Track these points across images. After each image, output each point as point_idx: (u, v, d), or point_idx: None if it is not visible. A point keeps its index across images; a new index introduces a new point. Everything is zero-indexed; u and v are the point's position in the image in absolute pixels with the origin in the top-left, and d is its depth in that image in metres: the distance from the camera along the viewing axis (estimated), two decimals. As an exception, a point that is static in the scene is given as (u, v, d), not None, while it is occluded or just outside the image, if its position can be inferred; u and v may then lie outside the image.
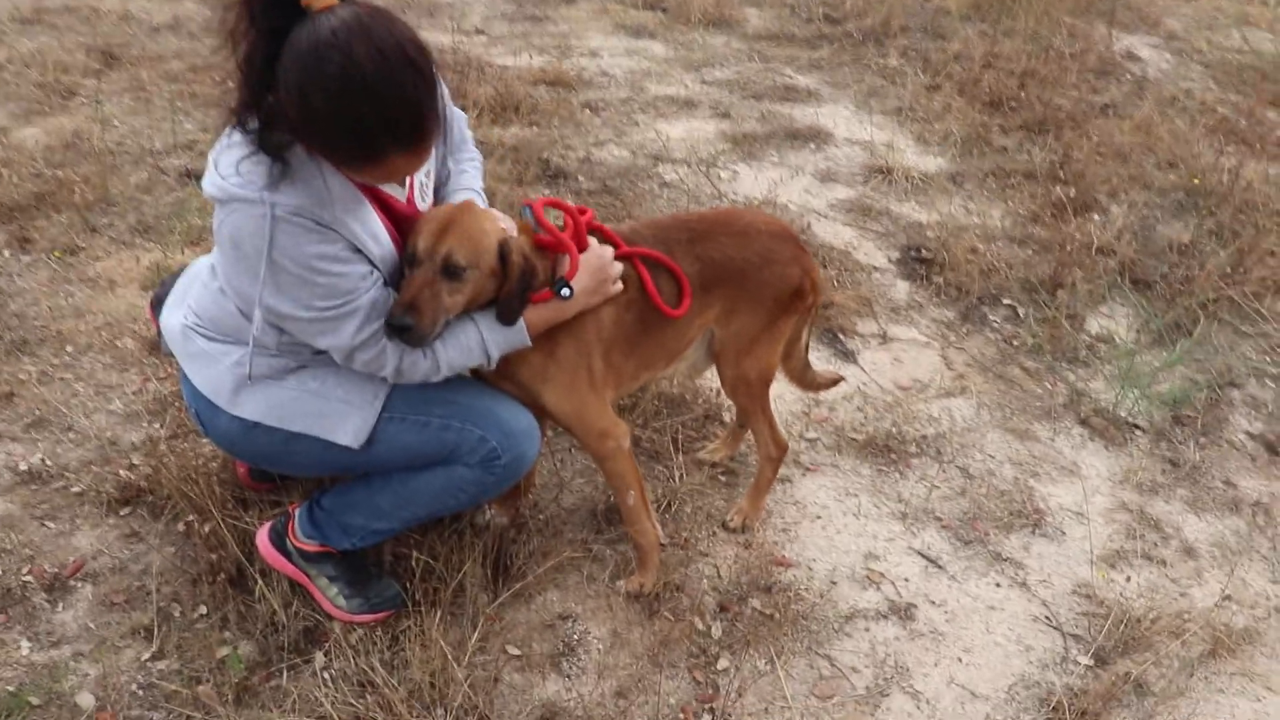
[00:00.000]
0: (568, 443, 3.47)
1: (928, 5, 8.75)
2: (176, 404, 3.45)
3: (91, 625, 2.73)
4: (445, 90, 2.31)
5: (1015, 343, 4.50)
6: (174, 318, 2.63)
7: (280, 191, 2.19)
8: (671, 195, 5.31)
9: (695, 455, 3.54)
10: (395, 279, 2.43)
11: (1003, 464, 3.76)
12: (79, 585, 2.84)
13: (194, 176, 4.85)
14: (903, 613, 3.08)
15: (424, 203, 2.58)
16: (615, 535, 3.14)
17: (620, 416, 2.84)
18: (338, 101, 2.04)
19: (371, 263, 2.35)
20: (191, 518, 2.96)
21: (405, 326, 2.31)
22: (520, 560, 2.99)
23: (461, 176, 2.82)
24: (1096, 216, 5.56)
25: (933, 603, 3.13)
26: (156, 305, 2.84)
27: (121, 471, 3.16)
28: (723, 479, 3.49)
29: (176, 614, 2.77)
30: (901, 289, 4.79)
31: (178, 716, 2.51)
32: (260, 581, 2.76)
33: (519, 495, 3.14)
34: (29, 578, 2.83)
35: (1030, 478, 3.71)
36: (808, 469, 3.59)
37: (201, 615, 2.77)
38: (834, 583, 3.14)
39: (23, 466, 3.18)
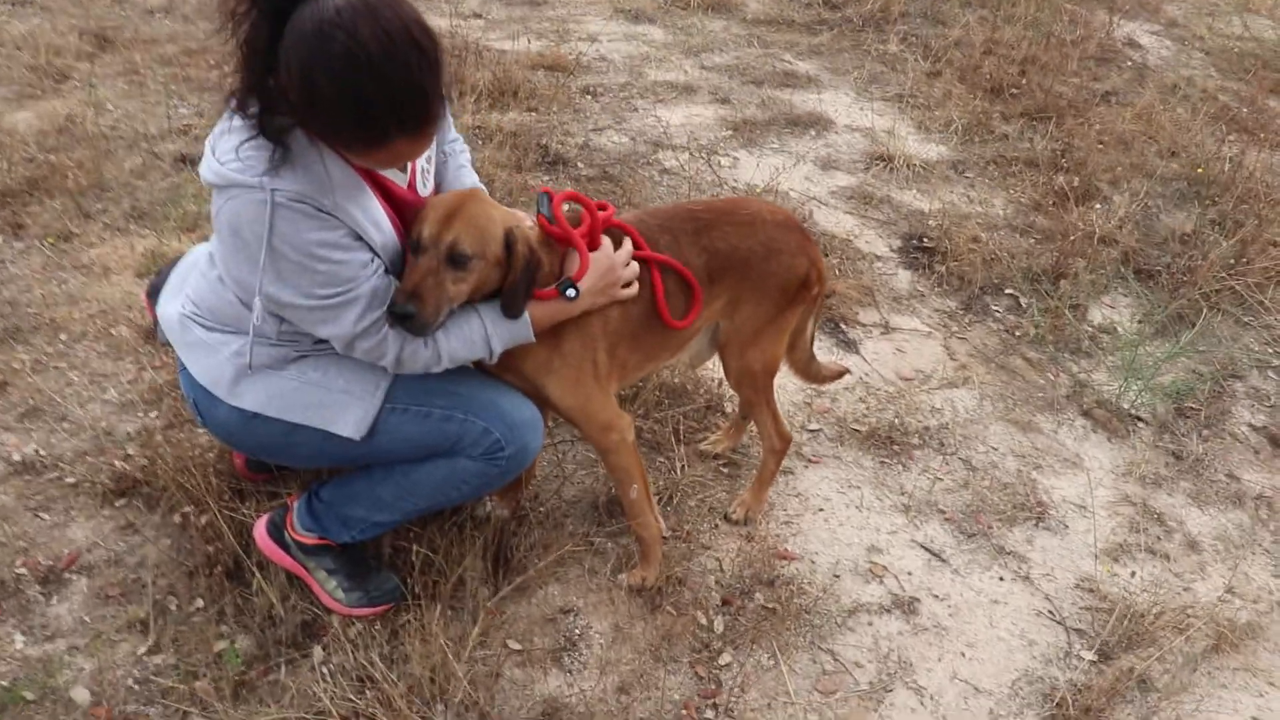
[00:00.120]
0: (569, 434, 3.44)
1: (928, -10, 8.70)
2: (172, 393, 3.41)
3: (86, 619, 2.70)
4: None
5: (1018, 333, 4.47)
6: (171, 307, 2.59)
7: (280, 177, 2.15)
8: (671, 182, 5.27)
9: (697, 447, 3.51)
10: (396, 267, 2.39)
11: (1005, 456, 3.74)
12: (74, 578, 2.81)
13: (189, 162, 4.79)
14: (906, 607, 3.05)
15: (425, 189, 2.54)
16: (617, 528, 3.11)
17: (621, 407, 2.81)
18: (342, 83, 2.00)
19: (373, 250, 2.31)
20: (188, 509, 2.93)
21: (408, 315, 2.27)
22: (521, 553, 2.96)
23: (460, 171, 2.78)
24: (1098, 205, 5.53)
25: (936, 596, 3.11)
26: (153, 294, 2.80)
27: (117, 462, 3.12)
28: (725, 471, 3.46)
29: (173, 607, 2.74)
30: (903, 278, 4.76)
31: (174, 712, 2.48)
32: (258, 574, 2.73)
33: (520, 487, 3.11)
34: (23, 570, 2.79)
35: (1033, 470, 3.69)
36: (810, 461, 3.56)
37: (198, 608, 2.74)
38: (837, 576, 3.12)
39: (16, 457, 3.14)
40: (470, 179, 2.77)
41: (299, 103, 2.05)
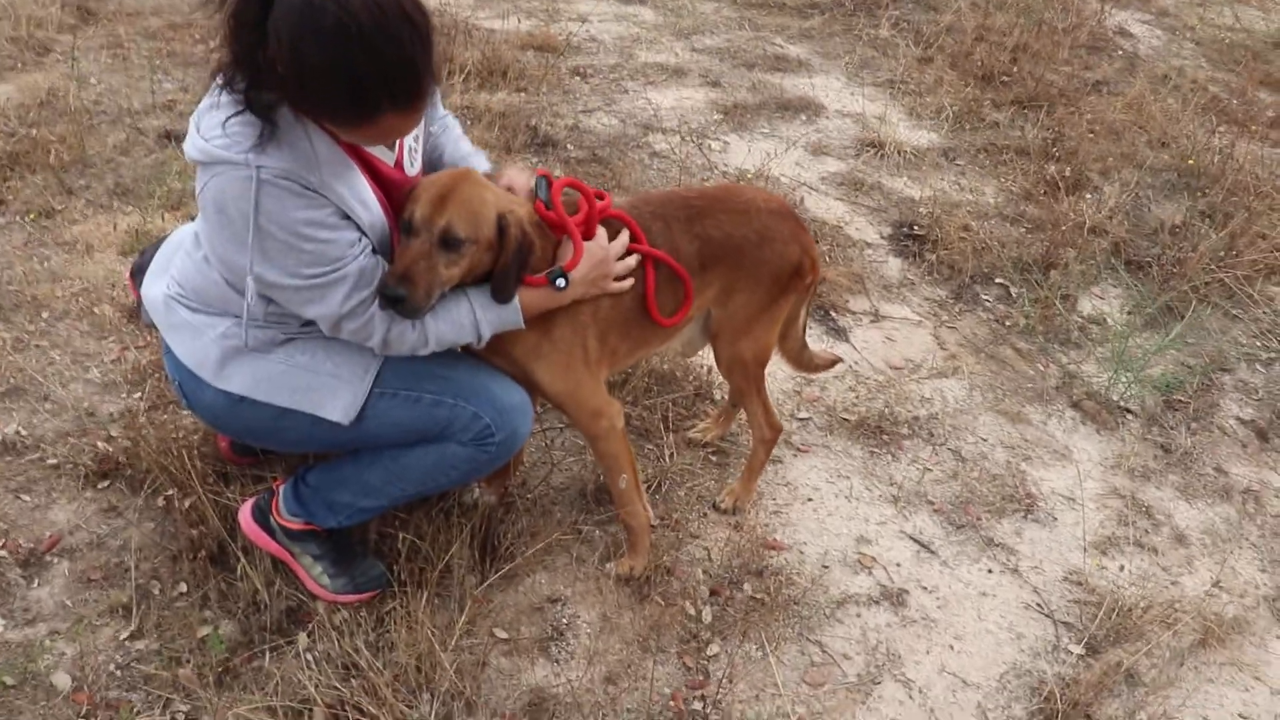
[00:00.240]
0: (558, 420, 3.41)
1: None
2: (156, 374, 3.37)
3: (68, 602, 2.66)
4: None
5: (1007, 323, 4.46)
6: (156, 288, 2.55)
7: (266, 154, 2.11)
8: (661, 166, 5.23)
9: (686, 434, 3.49)
10: (383, 246, 2.36)
11: (995, 447, 3.73)
12: (55, 561, 2.77)
13: (174, 138, 4.73)
14: (894, 598, 3.05)
15: (413, 169, 2.50)
16: (605, 516, 3.08)
17: (610, 394, 2.78)
18: (332, 56, 1.96)
19: (360, 229, 2.28)
20: (171, 492, 2.90)
21: (399, 298, 2.24)
22: (508, 541, 2.93)
23: (459, 141, 2.73)
24: (1089, 195, 5.51)
25: (924, 588, 3.10)
26: (137, 274, 2.75)
27: (99, 443, 3.07)
28: (713, 459, 3.44)
29: (156, 592, 2.71)
30: (894, 266, 4.74)
31: (157, 699, 2.44)
32: (242, 559, 2.69)
33: (508, 474, 3.08)
34: (3, 552, 2.75)
35: (1022, 461, 3.68)
36: (799, 450, 3.55)
37: (181, 593, 2.71)
38: (825, 567, 3.11)
39: (-3, 437, 3.10)
40: (468, 148, 2.72)
41: (288, 76, 2.01)
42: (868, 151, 5.72)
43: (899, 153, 5.71)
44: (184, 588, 2.71)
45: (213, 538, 2.78)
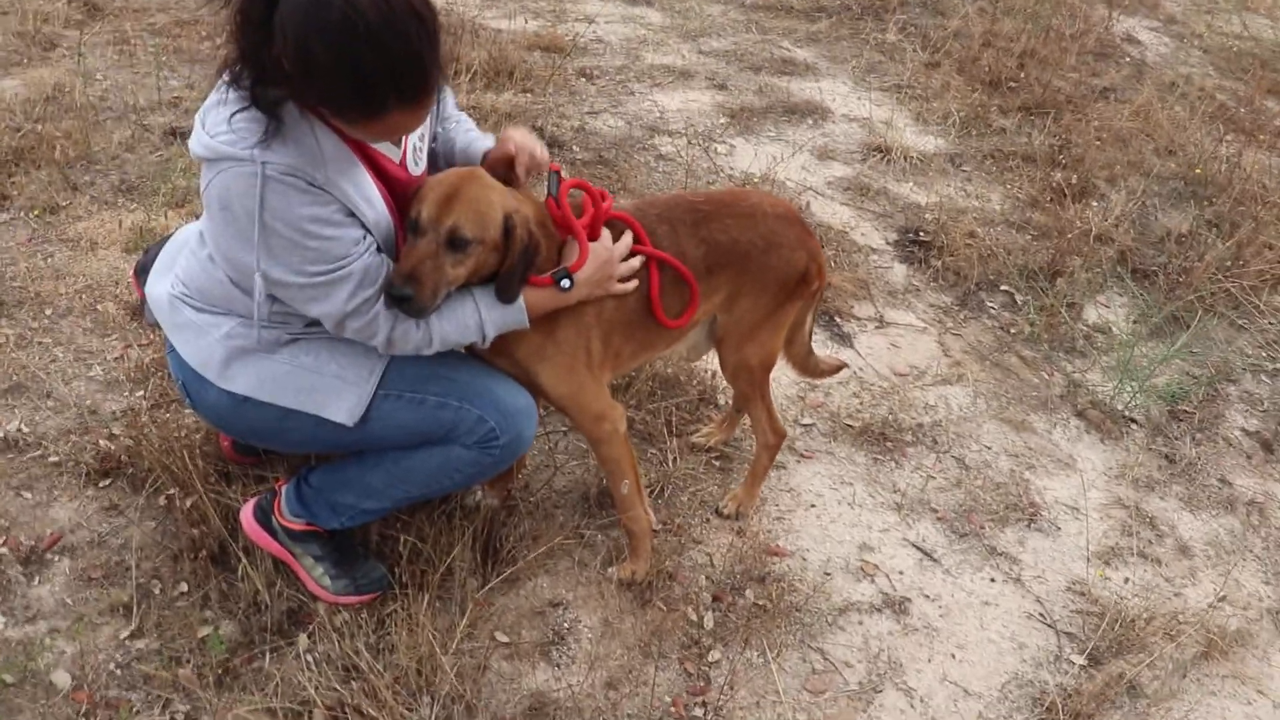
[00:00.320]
0: (561, 424, 3.40)
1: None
2: (158, 372, 3.36)
3: (69, 601, 2.66)
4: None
5: (1013, 331, 4.45)
6: (160, 287, 2.54)
7: (271, 150, 2.11)
8: (667, 168, 5.22)
9: (689, 439, 3.48)
10: (388, 245, 2.35)
11: (999, 455, 3.72)
12: (56, 559, 2.76)
13: (179, 135, 4.72)
14: (897, 606, 3.04)
15: (417, 168, 2.49)
16: (608, 520, 3.08)
17: (614, 398, 2.77)
18: (340, 50, 1.96)
19: (364, 227, 2.27)
20: (173, 491, 2.89)
21: (405, 297, 2.23)
22: (510, 544, 2.93)
23: (470, 135, 2.71)
24: (1095, 203, 5.50)
25: (927, 597, 3.09)
26: (141, 273, 2.75)
27: (101, 441, 3.07)
28: (716, 464, 3.43)
29: (156, 591, 2.70)
30: (899, 272, 4.73)
31: (156, 699, 2.44)
32: (243, 559, 2.68)
33: (510, 476, 3.07)
34: (4, 550, 2.74)
35: (1026, 470, 3.67)
36: (803, 456, 3.54)
37: (182, 593, 2.70)
38: (828, 574, 3.10)
39: (-1, 433, 3.09)
40: (483, 144, 2.69)
41: (295, 72, 2.01)
42: (874, 156, 5.71)
43: (905, 158, 5.70)
44: (185, 587, 2.71)
45: (214, 537, 2.77)
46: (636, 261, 2.61)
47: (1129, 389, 4.12)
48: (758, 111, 6.03)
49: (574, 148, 5.26)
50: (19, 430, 3.10)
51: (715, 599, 2.92)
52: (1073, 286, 4.71)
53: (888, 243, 4.93)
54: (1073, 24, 7.99)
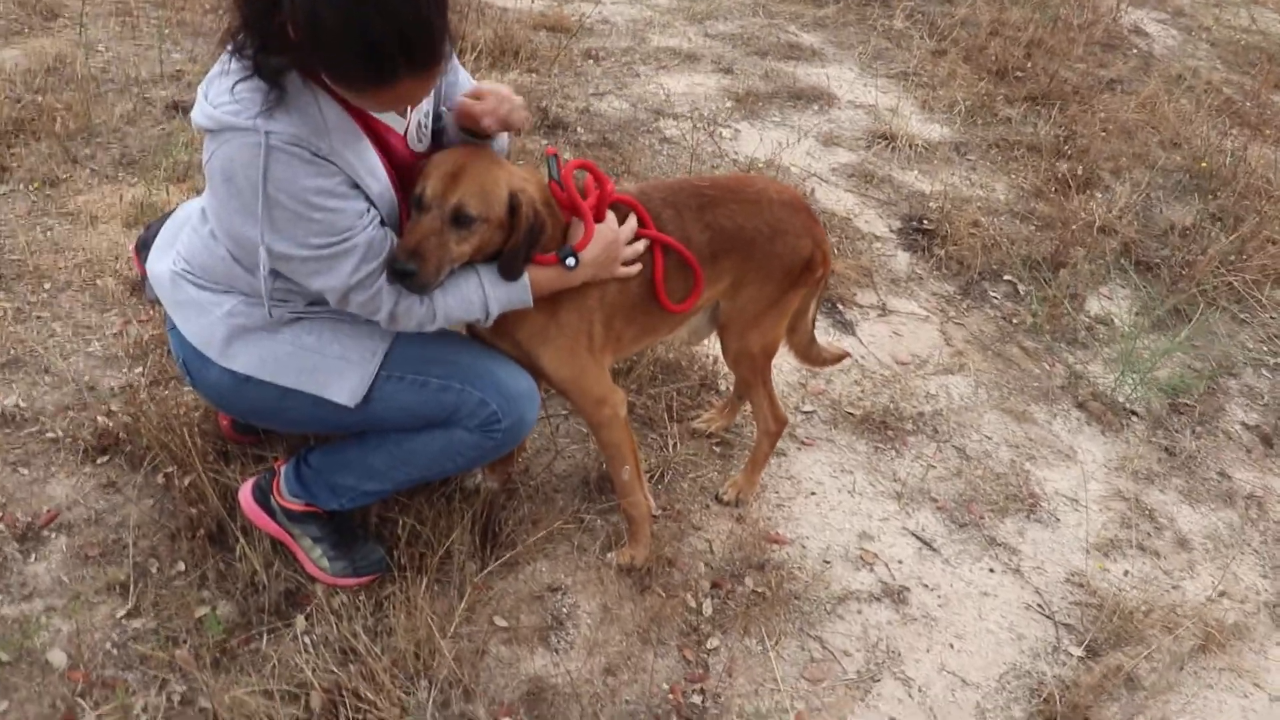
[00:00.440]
0: (562, 407, 3.39)
1: (935, -33, 8.58)
2: (158, 348, 3.34)
3: (65, 579, 2.64)
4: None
5: (1015, 321, 4.43)
6: (162, 264, 2.52)
7: (275, 119, 2.08)
8: (672, 152, 5.19)
9: (690, 425, 3.47)
10: (391, 219, 2.33)
11: (999, 445, 3.71)
12: (52, 536, 2.75)
13: (181, 109, 4.68)
14: (896, 596, 3.03)
15: (421, 144, 2.46)
16: (608, 505, 3.07)
17: (615, 382, 2.76)
18: (348, 19, 1.92)
19: (368, 200, 2.25)
20: (171, 469, 2.88)
21: (408, 273, 2.22)
22: (510, 528, 2.92)
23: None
24: (1099, 194, 5.48)
25: (926, 586, 3.08)
26: (142, 249, 2.72)
27: (99, 418, 3.05)
28: (717, 450, 3.42)
29: (154, 570, 2.69)
30: (902, 260, 4.71)
31: (153, 679, 2.43)
32: (241, 539, 2.67)
33: (511, 460, 3.06)
34: (1, 526, 2.73)
35: (1026, 461, 3.66)
36: (803, 443, 3.53)
37: (179, 572, 2.69)
38: (827, 562, 3.09)
39: (-4, 408, 3.07)
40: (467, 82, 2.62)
41: (303, 40, 1.97)
42: (879, 144, 5.68)
43: (910, 146, 5.68)
44: (182, 567, 2.69)
45: (212, 517, 2.76)
46: (641, 245, 2.59)
47: (1130, 381, 4.11)
48: (763, 96, 5.99)
49: (578, 129, 5.23)
50: (16, 405, 3.08)
51: (714, 586, 2.92)
52: (1075, 278, 4.70)
53: (891, 230, 4.91)
54: (1081, 14, 7.94)
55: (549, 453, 3.24)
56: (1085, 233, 5.00)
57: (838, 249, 4.64)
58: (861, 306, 4.33)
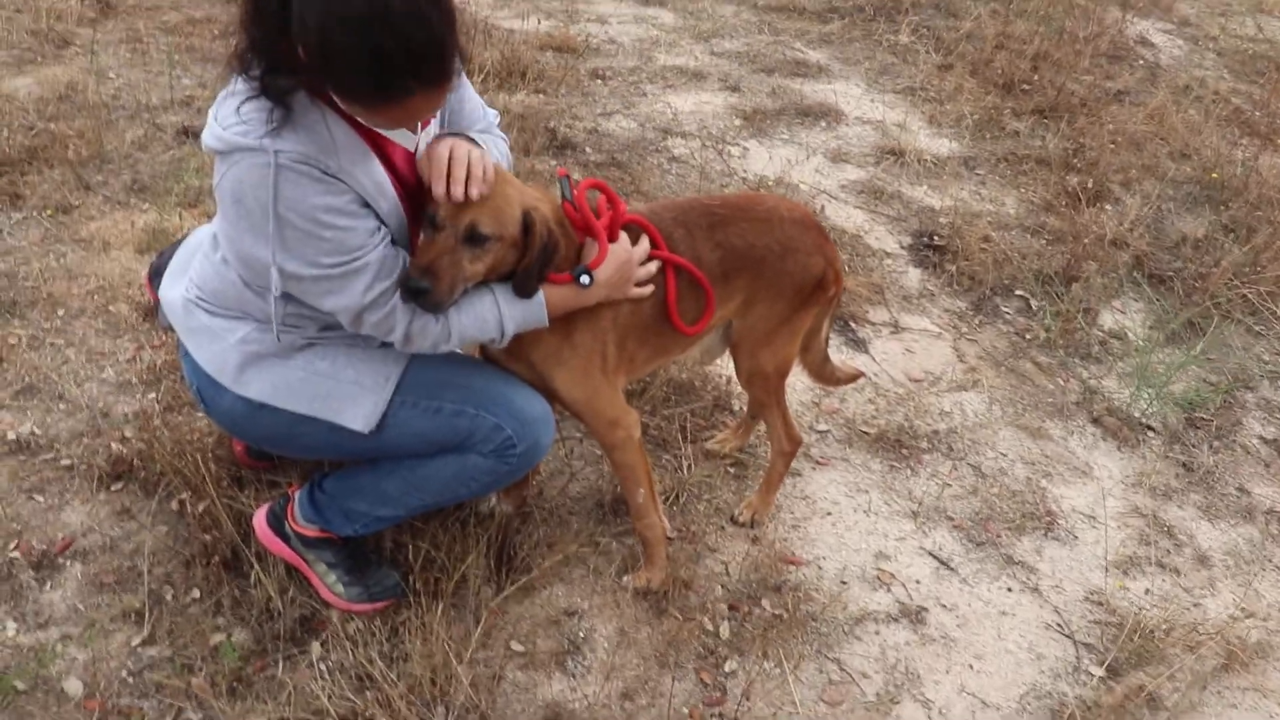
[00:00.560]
0: (576, 430, 3.38)
1: (940, -19, 8.60)
2: (171, 374, 3.34)
3: (80, 606, 2.64)
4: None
5: (1028, 336, 4.41)
6: (174, 291, 2.52)
7: (283, 138, 2.08)
8: (680, 171, 5.20)
9: (704, 445, 3.45)
10: (401, 238, 2.33)
11: (1015, 463, 3.69)
12: (68, 564, 2.74)
13: (192, 135, 4.71)
14: (914, 616, 3.01)
15: None
16: (623, 527, 3.05)
17: (628, 403, 2.75)
18: (360, 37, 1.92)
19: (378, 218, 2.25)
20: (185, 496, 2.87)
21: (422, 290, 2.21)
22: (525, 551, 2.90)
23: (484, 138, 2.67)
24: (1110, 207, 5.47)
25: (944, 606, 3.06)
26: (155, 276, 2.73)
27: (113, 444, 3.05)
28: (732, 471, 3.40)
29: (169, 597, 2.68)
30: (913, 276, 4.70)
31: (168, 707, 2.42)
32: (256, 565, 2.67)
33: (526, 483, 3.04)
34: (16, 554, 2.73)
35: (1042, 478, 3.64)
36: (818, 463, 3.51)
37: (194, 599, 2.68)
38: (844, 583, 3.07)
39: (11, 436, 3.07)
40: (497, 150, 2.61)
41: (313, 60, 1.97)
42: (888, 159, 5.68)
43: (919, 161, 5.68)
44: (197, 593, 2.69)
45: (226, 543, 2.75)
46: (654, 265, 2.59)
47: (1146, 396, 4.08)
48: (771, 113, 6.00)
49: (587, 149, 5.24)
50: (31, 432, 3.09)
51: (731, 608, 2.90)
52: (1088, 291, 4.68)
53: (902, 247, 4.90)
54: (1086, 26, 7.95)
55: (563, 475, 3.23)
56: (1097, 246, 4.99)
57: (849, 266, 4.63)
58: (874, 324, 4.32)
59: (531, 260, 2.34)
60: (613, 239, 2.50)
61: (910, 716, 2.72)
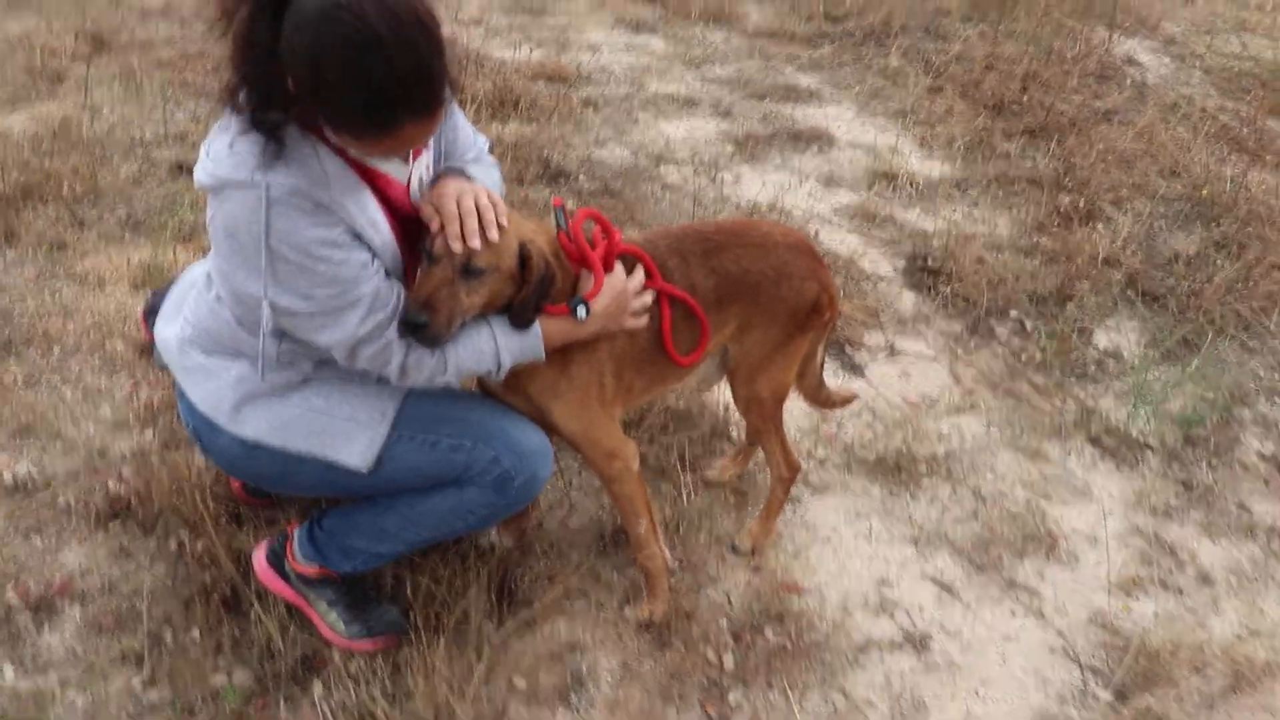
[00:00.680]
0: (575, 461, 3.37)
1: (927, 5, 8.64)
2: (168, 411, 3.33)
3: (79, 649, 2.62)
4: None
5: (1023, 357, 4.42)
6: (169, 330, 2.52)
7: (274, 171, 2.07)
8: (674, 198, 5.21)
9: (703, 474, 3.44)
10: (395, 271, 2.32)
11: (1014, 485, 3.68)
12: (66, 606, 2.72)
13: (185, 170, 4.71)
14: (918, 643, 2.99)
15: (423, 196, 2.46)
16: (624, 559, 3.04)
17: (626, 433, 2.74)
18: (351, 67, 1.93)
19: (371, 250, 2.24)
20: (184, 534, 2.87)
21: (420, 324, 2.21)
22: (525, 585, 2.89)
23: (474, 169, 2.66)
24: (1102, 226, 5.48)
25: (948, 632, 3.05)
26: (150, 315, 2.73)
27: (111, 483, 3.04)
28: (731, 499, 3.39)
29: (168, 638, 2.66)
30: (908, 300, 4.71)
31: (170, 751, 2.40)
32: (256, 604, 2.66)
33: (525, 516, 3.04)
34: (13, 597, 2.71)
35: (1042, 500, 3.63)
36: (817, 489, 3.50)
37: (194, 640, 2.66)
38: (847, 610, 3.05)
39: (7, 476, 3.06)
40: (489, 178, 2.58)
41: (304, 91, 1.98)
42: (880, 183, 5.70)
43: (911, 184, 5.69)
44: (197, 634, 2.67)
45: (226, 582, 2.74)
46: (649, 296, 2.59)
47: (1143, 414, 4.09)
48: (763, 139, 6.02)
49: (580, 178, 5.25)
50: (28, 472, 3.08)
51: (735, 638, 2.88)
52: (1082, 311, 4.69)
53: (896, 270, 4.91)
54: (1074, 46, 7.99)
55: (563, 508, 3.22)
56: (1090, 265, 5.00)
57: (843, 290, 4.64)
58: (869, 348, 4.32)
59: (529, 292, 2.34)
60: (608, 269, 2.50)
61: (916, 744, 2.70)
